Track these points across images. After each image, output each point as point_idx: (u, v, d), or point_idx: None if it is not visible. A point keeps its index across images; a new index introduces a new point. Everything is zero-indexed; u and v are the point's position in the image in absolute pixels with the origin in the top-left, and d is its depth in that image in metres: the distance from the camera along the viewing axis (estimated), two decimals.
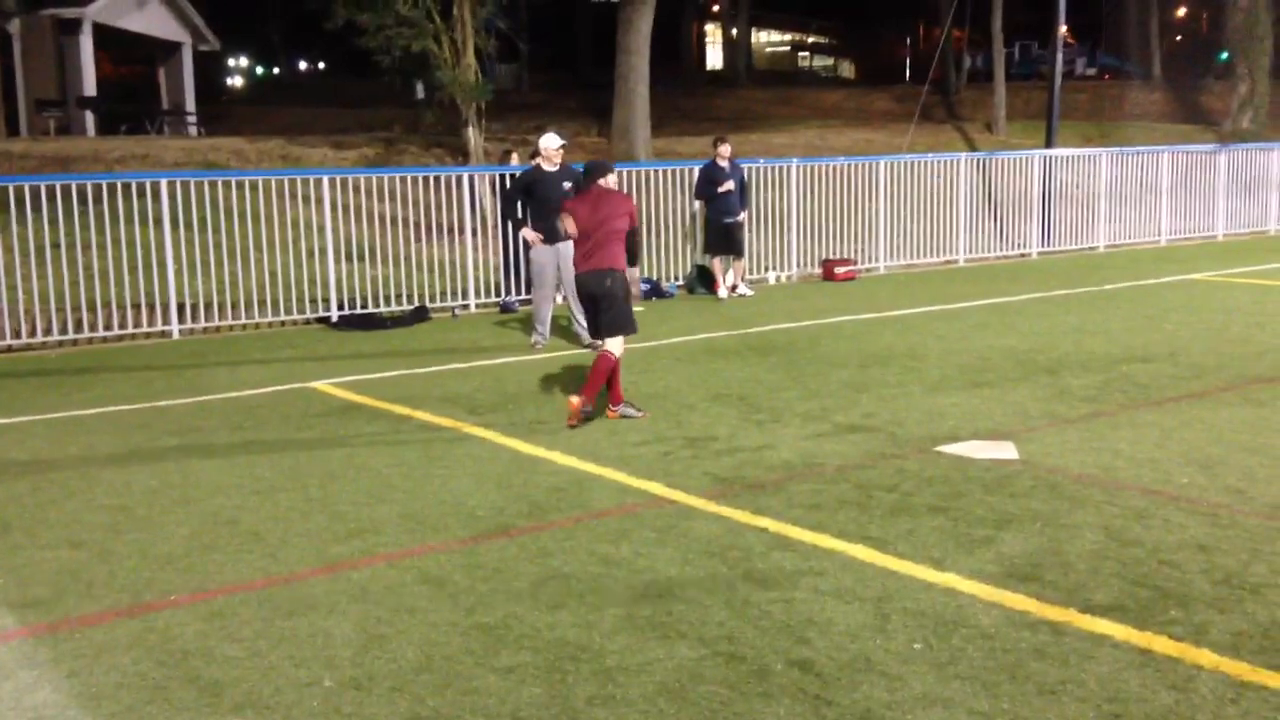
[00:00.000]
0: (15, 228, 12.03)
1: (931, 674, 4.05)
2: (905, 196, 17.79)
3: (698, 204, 15.06)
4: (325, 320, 13.11)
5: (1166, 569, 4.98)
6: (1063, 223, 19.79)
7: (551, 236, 10.74)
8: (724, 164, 14.51)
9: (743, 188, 14.81)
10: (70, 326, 11.94)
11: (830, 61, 76.36)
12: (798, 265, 16.71)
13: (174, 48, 29.95)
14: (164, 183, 12.46)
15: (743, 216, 14.77)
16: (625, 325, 7.99)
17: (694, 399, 8.61)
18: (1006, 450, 6.93)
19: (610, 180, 8.09)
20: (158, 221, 12.30)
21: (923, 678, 4.03)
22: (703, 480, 6.48)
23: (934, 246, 18.13)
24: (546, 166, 11.08)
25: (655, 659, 4.22)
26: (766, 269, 16.44)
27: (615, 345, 7.91)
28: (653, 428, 7.72)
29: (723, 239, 14.59)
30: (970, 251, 18.46)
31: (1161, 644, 4.25)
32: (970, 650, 4.23)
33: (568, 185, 10.96)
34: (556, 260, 10.93)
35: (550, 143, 11.06)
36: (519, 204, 11.33)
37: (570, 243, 9.26)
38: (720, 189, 14.40)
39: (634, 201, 8.52)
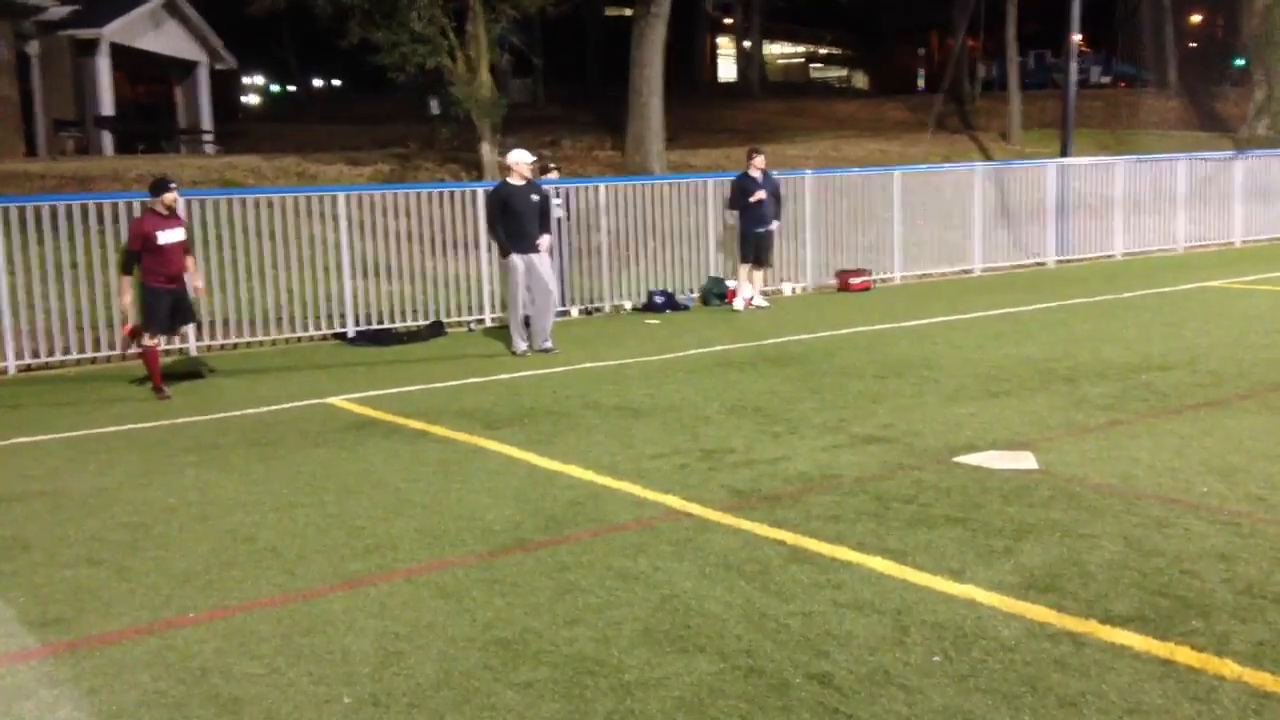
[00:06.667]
0: (34, 247, 12.10)
1: (952, 686, 4.03)
2: (920, 206, 17.76)
3: (732, 214, 15.09)
4: (342, 336, 13.15)
5: (1187, 579, 4.94)
6: (1079, 231, 19.72)
7: (522, 247, 11.45)
8: (757, 174, 14.56)
9: (778, 199, 14.87)
10: (89, 345, 12.00)
11: (843, 72, 76.28)
12: (813, 276, 16.70)
13: (191, 67, 30.17)
14: (181, 201, 12.51)
15: (774, 226, 14.81)
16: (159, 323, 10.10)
17: (710, 411, 8.60)
18: (1025, 460, 6.89)
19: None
20: None
21: (943, 690, 4.00)
22: (720, 493, 6.47)
23: (949, 256, 18.10)
24: (515, 181, 11.54)
25: (674, 673, 4.21)
26: (782, 280, 16.43)
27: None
28: (670, 440, 7.71)
29: (752, 248, 14.64)
30: (986, 261, 18.42)
31: (1183, 654, 4.21)
32: (990, 662, 4.21)
33: (535, 198, 11.35)
34: (527, 269, 11.55)
35: (522, 158, 11.63)
36: (499, 220, 11.67)
37: (543, 254, 11.53)
38: (752, 199, 14.46)
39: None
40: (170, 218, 10.07)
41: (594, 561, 5.39)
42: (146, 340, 10.04)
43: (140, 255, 9.84)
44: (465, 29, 19.77)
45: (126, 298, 10.01)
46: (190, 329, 12.26)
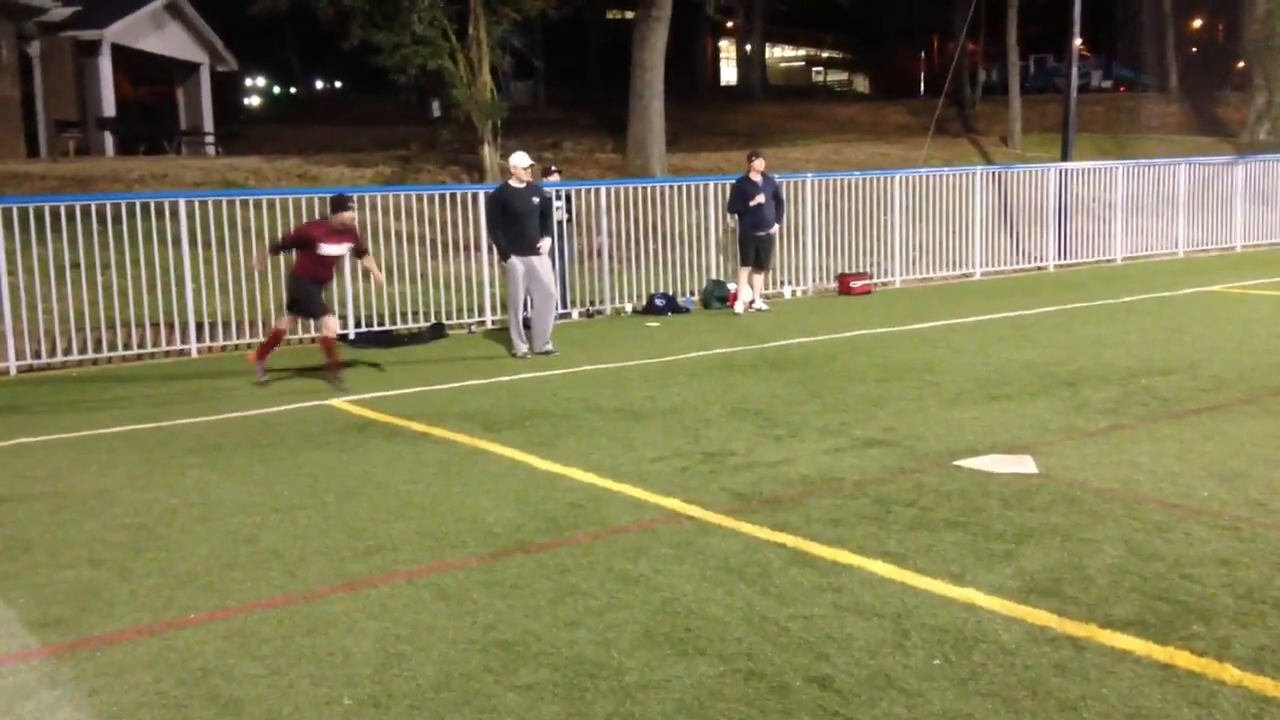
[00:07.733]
0: (35, 248, 12.11)
1: (952, 690, 4.03)
2: (921, 210, 17.78)
3: (732, 218, 15.10)
4: (343, 338, 13.15)
5: (1188, 583, 4.94)
6: (1079, 235, 19.73)
7: (523, 249, 11.51)
8: (757, 178, 14.59)
9: (779, 202, 14.88)
10: (90, 346, 12.01)
11: (845, 76, 76.42)
12: (813, 279, 16.71)
13: (192, 68, 30.21)
14: (183, 202, 12.55)
15: (775, 230, 14.83)
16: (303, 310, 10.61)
17: (711, 414, 8.60)
18: (1025, 464, 6.90)
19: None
20: (176, 241, 12.39)
21: (943, 694, 4.01)
22: (721, 496, 6.47)
23: (950, 260, 18.11)
24: (515, 183, 11.67)
25: (674, 676, 4.21)
26: (782, 283, 16.44)
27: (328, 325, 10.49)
28: (671, 443, 7.72)
29: (753, 251, 14.66)
30: (986, 265, 18.43)
31: (1183, 659, 4.22)
32: (991, 666, 4.21)
33: (535, 200, 11.41)
34: (528, 271, 11.60)
35: (521, 161, 11.74)
36: (499, 223, 11.70)
37: (544, 256, 11.68)
38: (752, 202, 14.48)
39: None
40: (341, 234, 10.28)
41: (595, 564, 5.40)
42: (282, 322, 10.76)
43: (293, 248, 10.27)
44: (466, 31, 19.80)
45: (264, 259, 10.89)
46: (193, 334, 12.27)
